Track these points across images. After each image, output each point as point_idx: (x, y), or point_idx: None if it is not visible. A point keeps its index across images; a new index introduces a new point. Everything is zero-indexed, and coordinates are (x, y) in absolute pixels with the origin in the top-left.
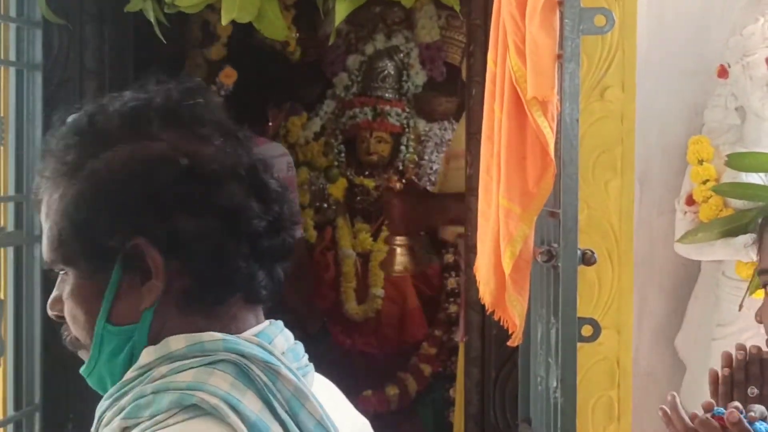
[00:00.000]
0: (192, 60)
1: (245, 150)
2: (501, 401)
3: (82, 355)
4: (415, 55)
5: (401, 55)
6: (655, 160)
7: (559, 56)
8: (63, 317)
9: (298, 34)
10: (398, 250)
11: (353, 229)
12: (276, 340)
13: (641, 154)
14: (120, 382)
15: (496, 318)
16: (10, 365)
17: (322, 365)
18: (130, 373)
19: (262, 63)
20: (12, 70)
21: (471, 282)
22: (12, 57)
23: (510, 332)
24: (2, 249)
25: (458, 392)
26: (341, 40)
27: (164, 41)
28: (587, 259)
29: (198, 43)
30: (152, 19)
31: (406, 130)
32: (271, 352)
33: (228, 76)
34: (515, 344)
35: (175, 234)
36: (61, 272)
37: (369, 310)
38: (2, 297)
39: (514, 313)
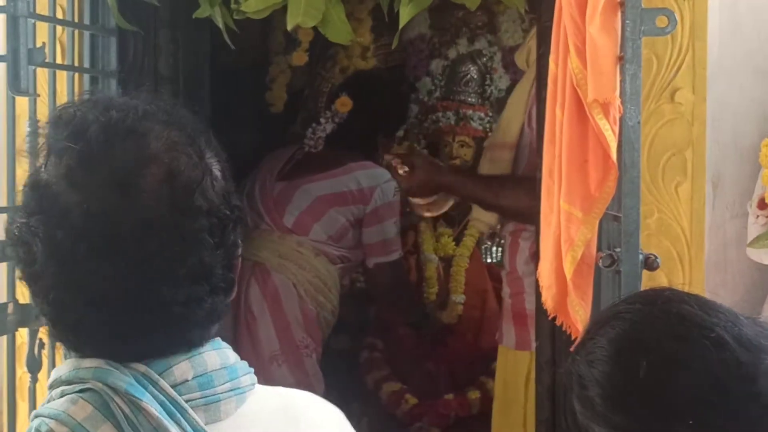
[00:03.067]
0: (276, 66)
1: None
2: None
3: None
4: (498, 59)
5: (484, 59)
6: (727, 163)
7: (621, 58)
8: None
9: (377, 41)
10: None
11: (435, 234)
12: (175, 368)
13: (713, 156)
14: None
15: (558, 323)
16: None
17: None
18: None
19: (376, 94)
20: (86, 78)
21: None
22: (86, 64)
23: (573, 337)
24: None
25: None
26: (424, 45)
27: (233, 47)
28: (650, 264)
29: (281, 49)
30: (221, 25)
31: (489, 134)
32: (153, 383)
33: (344, 105)
34: None
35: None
36: None
37: (449, 317)
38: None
39: (576, 319)
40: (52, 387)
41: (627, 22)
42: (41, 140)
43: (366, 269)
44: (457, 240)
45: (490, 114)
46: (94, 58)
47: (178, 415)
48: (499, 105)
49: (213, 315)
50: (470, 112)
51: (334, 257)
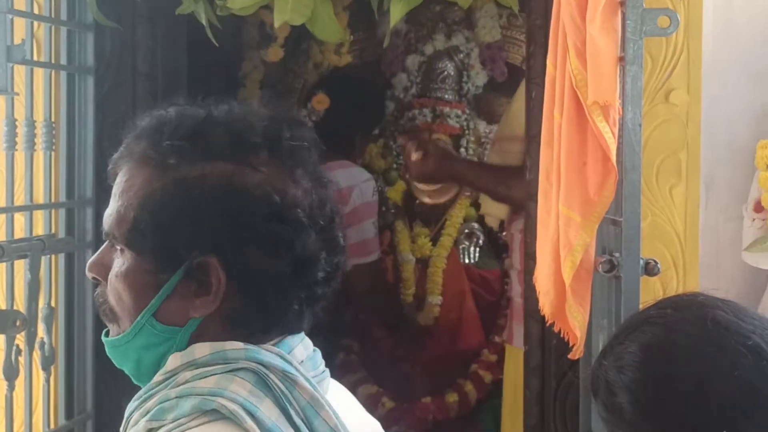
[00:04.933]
0: (249, 62)
1: (328, 199)
2: (561, 413)
3: (111, 327)
4: (475, 55)
5: (461, 55)
6: (721, 165)
7: (621, 59)
8: (99, 280)
9: (352, 36)
10: None
11: (412, 234)
12: (295, 350)
13: (707, 158)
14: (147, 385)
15: (556, 330)
16: (62, 373)
17: (379, 371)
18: (157, 377)
19: (354, 92)
20: (63, 75)
21: (530, 289)
22: (63, 61)
23: (571, 344)
24: (53, 256)
25: (506, 396)
26: (400, 41)
27: (217, 44)
28: (650, 269)
29: (255, 44)
30: (204, 22)
31: (466, 132)
32: (289, 362)
33: (320, 102)
34: (576, 357)
35: (246, 266)
36: (117, 246)
37: (427, 318)
38: (53, 304)
39: (575, 325)
40: (175, 372)
41: (628, 22)
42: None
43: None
44: (434, 240)
45: (467, 111)
46: (70, 54)
47: (315, 390)
48: (476, 102)
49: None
50: (447, 109)
51: None
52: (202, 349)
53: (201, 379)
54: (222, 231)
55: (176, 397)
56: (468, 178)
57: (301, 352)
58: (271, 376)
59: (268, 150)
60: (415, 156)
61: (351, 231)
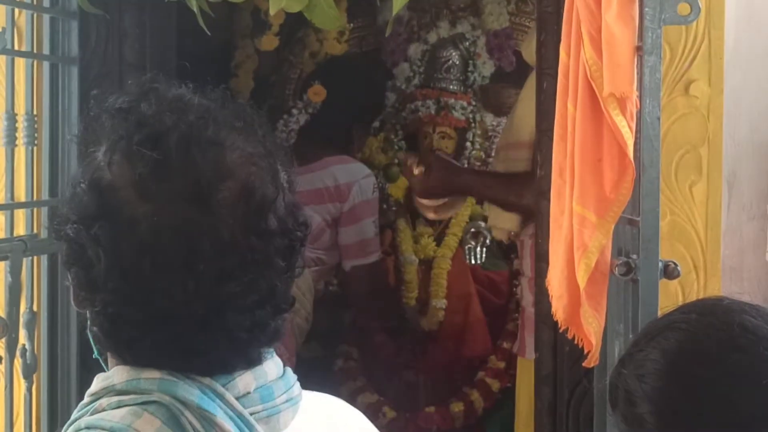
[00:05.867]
0: (242, 51)
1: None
2: (575, 424)
3: None
4: (481, 43)
5: (467, 43)
6: (744, 161)
7: (639, 49)
8: None
9: (352, 25)
10: None
11: (415, 233)
12: (237, 381)
13: (729, 153)
14: (79, 404)
15: (570, 336)
16: (45, 382)
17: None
18: (85, 398)
19: (352, 82)
20: (46, 65)
21: (541, 293)
22: (46, 51)
23: (585, 351)
24: (36, 257)
25: (519, 411)
26: (402, 28)
27: (208, 33)
28: (669, 272)
29: (248, 33)
30: (195, 9)
31: (472, 124)
32: (216, 396)
33: (317, 94)
34: (591, 365)
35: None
36: None
37: (430, 323)
38: (36, 309)
39: (590, 331)
40: (98, 396)
41: (646, 9)
42: (93, 125)
43: (342, 272)
44: (439, 240)
45: (474, 103)
46: (53, 43)
47: (247, 431)
48: (482, 93)
49: (276, 335)
50: (452, 100)
51: (308, 259)
52: (120, 374)
53: (114, 409)
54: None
55: (85, 428)
56: (476, 190)
57: (246, 383)
58: (186, 413)
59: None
60: (416, 171)
61: (349, 230)
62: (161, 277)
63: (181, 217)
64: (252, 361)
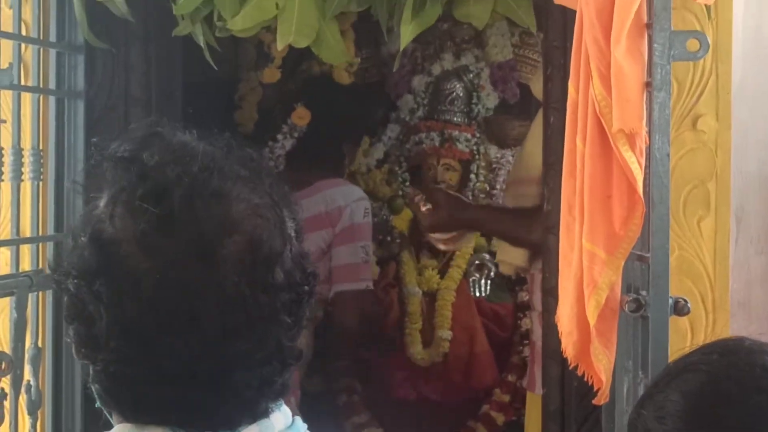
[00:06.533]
0: (246, 83)
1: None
2: None
3: None
4: (486, 75)
5: (471, 75)
6: (751, 195)
7: (648, 84)
8: None
9: (359, 58)
10: None
11: (419, 265)
12: None
13: (737, 188)
14: None
15: (579, 373)
16: (49, 419)
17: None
18: None
19: (334, 99)
20: (52, 99)
21: (549, 328)
22: (52, 85)
23: (595, 388)
24: (41, 292)
25: None
26: (406, 60)
27: (215, 67)
28: (680, 309)
29: (252, 65)
30: (202, 44)
31: (476, 156)
32: None
33: (301, 117)
34: (601, 403)
35: None
36: None
37: (435, 355)
38: (41, 345)
39: (600, 368)
40: None
41: (655, 45)
42: (95, 173)
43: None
44: (443, 272)
45: (478, 135)
46: (60, 77)
47: None
48: (486, 125)
49: (284, 390)
50: (456, 132)
51: None
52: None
53: None
54: None
55: None
56: (485, 225)
57: None
58: None
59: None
60: (423, 209)
61: (339, 251)
62: (165, 335)
63: (184, 274)
64: (258, 414)
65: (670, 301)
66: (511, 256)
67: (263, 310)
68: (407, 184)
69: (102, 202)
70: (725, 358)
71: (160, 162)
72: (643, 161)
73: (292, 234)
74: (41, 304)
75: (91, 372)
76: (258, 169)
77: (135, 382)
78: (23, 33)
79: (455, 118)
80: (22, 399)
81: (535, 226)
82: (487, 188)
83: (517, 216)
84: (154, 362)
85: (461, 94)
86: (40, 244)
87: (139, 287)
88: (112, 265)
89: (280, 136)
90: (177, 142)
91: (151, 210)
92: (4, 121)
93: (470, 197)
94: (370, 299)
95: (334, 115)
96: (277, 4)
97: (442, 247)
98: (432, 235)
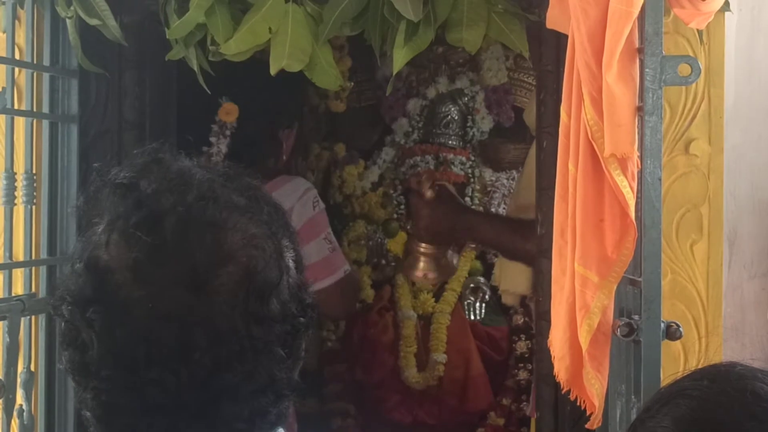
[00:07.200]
0: None
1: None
2: None
3: None
4: (480, 99)
5: (466, 99)
6: (744, 218)
7: (640, 109)
8: None
9: (352, 84)
10: None
11: (413, 288)
12: None
13: (730, 212)
14: None
15: (572, 397)
16: None
17: None
18: None
19: (263, 89)
20: (45, 123)
21: (542, 352)
22: (45, 109)
23: (588, 413)
24: (33, 317)
25: None
26: (401, 83)
27: (209, 92)
28: (672, 333)
29: None
30: (195, 68)
31: (471, 180)
32: None
33: (228, 113)
34: (594, 427)
35: None
36: None
37: (430, 378)
38: (33, 369)
39: (592, 393)
40: None
41: (647, 70)
42: (94, 198)
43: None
44: (437, 296)
45: (473, 158)
46: (53, 102)
47: None
48: (481, 148)
49: (279, 420)
50: (451, 156)
51: None
52: None
53: None
54: None
55: None
56: (479, 232)
57: None
58: None
59: None
60: (427, 193)
61: (305, 252)
62: (154, 365)
63: (176, 304)
64: None
65: (663, 325)
66: (515, 285)
67: (256, 343)
68: (402, 207)
69: (100, 228)
70: (716, 384)
71: (156, 190)
72: (635, 185)
73: (291, 264)
74: (34, 329)
75: (80, 399)
76: (256, 198)
77: (125, 411)
78: (17, 57)
79: (450, 142)
80: (15, 423)
81: (531, 235)
82: (482, 211)
83: (515, 226)
84: (143, 392)
85: (456, 118)
86: (33, 268)
87: (130, 316)
88: (106, 292)
89: (212, 139)
90: (176, 170)
91: (144, 238)
92: None
93: None
94: (353, 280)
95: (262, 102)
96: (270, 28)
97: (421, 279)
98: (418, 248)
